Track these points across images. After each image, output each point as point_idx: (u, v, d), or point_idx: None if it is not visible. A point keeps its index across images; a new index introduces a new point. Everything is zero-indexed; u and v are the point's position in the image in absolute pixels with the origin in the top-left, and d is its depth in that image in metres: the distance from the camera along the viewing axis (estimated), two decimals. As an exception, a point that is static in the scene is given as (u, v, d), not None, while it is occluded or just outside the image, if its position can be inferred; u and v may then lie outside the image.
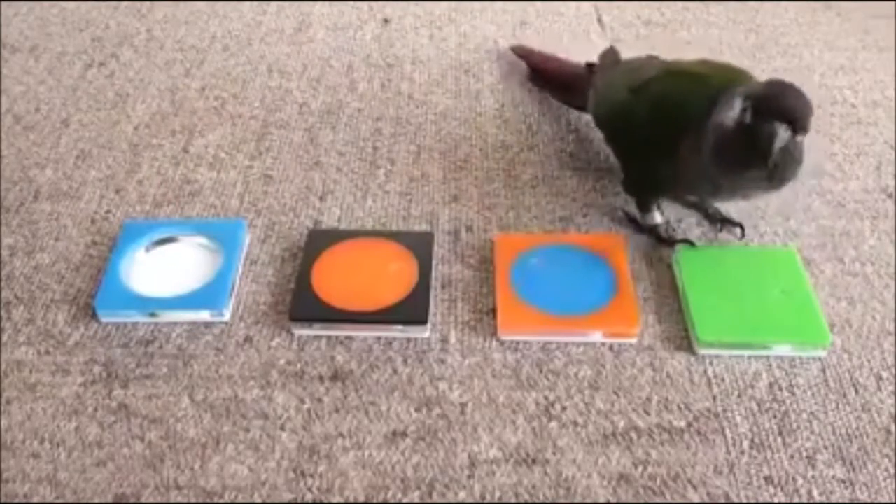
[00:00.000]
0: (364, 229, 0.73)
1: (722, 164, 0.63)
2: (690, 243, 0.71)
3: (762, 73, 0.92)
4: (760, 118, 0.60)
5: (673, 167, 0.66)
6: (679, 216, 0.74)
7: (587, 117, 0.86)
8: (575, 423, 0.58)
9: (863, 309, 0.66)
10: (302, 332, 0.64)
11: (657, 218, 0.73)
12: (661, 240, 0.72)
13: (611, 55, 0.84)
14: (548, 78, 0.91)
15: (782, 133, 0.59)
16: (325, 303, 0.65)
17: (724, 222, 0.73)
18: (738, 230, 0.73)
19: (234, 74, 0.94)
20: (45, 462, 0.56)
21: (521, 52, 0.95)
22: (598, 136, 0.84)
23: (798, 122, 0.60)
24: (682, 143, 0.65)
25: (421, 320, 0.64)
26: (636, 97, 0.72)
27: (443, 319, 0.66)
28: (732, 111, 0.61)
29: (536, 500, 0.54)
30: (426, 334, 0.64)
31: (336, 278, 0.67)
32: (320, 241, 0.70)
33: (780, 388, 0.61)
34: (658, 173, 0.68)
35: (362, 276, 0.67)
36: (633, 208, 0.74)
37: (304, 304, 0.65)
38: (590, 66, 0.85)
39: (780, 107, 0.60)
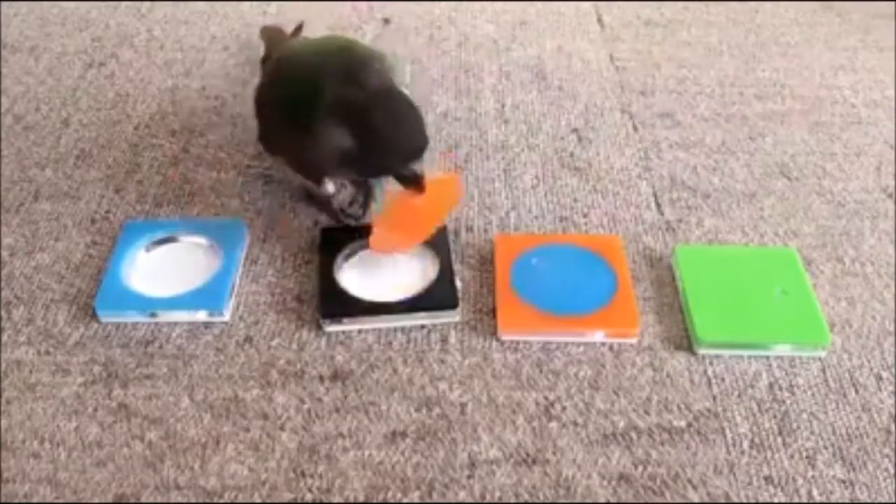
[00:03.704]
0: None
1: None
2: (357, 218, 0.73)
3: (762, 72, 0.93)
4: None
5: None
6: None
7: (587, 117, 0.86)
8: (575, 423, 0.58)
9: (863, 309, 0.66)
10: (332, 328, 0.64)
11: (329, 189, 0.74)
12: (332, 212, 0.74)
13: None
14: None
15: None
16: (354, 297, 0.65)
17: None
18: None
19: (234, 74, 0.94)
20: (45, 462, 0.56)
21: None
22: (597, 136, 0.84)
23: None
24: None
25: (452, 305, 0.65)
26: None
27: (443, 319, 0.66)
28: None
29: (536, 500, 0.54)
30: (457, 318, 0.65)
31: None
32: (336, 238, 0.70)
33: (780, 388, 0.61)
34: None
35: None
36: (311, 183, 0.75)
37: (333, 300, 0.65)
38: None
39: None
